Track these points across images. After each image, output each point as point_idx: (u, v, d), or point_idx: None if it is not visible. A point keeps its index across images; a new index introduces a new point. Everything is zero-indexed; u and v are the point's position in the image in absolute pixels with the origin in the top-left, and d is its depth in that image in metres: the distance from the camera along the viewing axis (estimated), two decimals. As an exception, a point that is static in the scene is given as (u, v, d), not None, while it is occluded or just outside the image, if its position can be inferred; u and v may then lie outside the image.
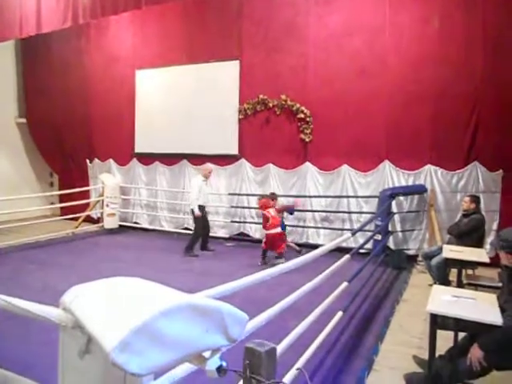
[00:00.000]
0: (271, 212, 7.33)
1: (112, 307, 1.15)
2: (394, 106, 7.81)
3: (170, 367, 1.22)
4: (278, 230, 7.32)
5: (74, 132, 11.32)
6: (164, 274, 6.23)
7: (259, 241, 8.93)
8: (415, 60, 7.64)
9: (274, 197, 7.80)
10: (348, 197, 8.33)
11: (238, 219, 9.38)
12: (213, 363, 1.23)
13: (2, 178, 11.40)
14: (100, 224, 10.35)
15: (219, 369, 1.23)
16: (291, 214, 8.03)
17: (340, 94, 8.17)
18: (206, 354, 1.23)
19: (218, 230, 9.47)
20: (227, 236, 9.28)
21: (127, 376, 1.34)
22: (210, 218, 8.83)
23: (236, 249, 8.70)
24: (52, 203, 11.63)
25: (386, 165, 7.97)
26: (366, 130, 8.02)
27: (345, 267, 4.27)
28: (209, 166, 8.38)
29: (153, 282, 1.42)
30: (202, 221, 8.11)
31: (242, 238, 9.22)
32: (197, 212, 7.93)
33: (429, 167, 7.69)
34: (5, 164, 11.64)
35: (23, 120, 12.06)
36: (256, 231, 9.15)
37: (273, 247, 7.30)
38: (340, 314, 4.15)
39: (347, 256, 4.40)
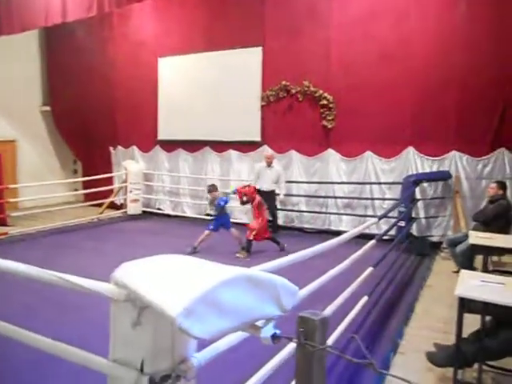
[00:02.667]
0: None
1: (169, 279, 1.22)
2: (418, 92, 7.71)
3: (228, 333, 1.30)
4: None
5: (97, 119, 11.48)
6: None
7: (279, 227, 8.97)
8: (441, 44, 7.51)
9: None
10: (371, 183, 8.30)
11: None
12: (267, 331, 1.30)
13: (28, 165, 11.68)
14: (123, 210, 10.53)
15: (273, 336, 1.30)
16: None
17: (364, 79, 8.09)
18: (260, 324, 1.30)
19: (240, 215, 9.49)
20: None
21: (175, 346, 1.43)
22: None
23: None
24: (75, 190, 11.86)
25: (410, 151, 7.91)
26: (389, 115, 7.95)
27: (368, 253, 4.29)
28: (269, 151, 8.72)
29: (197, 259, 1.49)
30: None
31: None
32: None
33: (454, 153, 7.60)
34: (30, 152, 11.89)
35: (47, 108, 12.26)
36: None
37: (262, 235, 7.16)
38: (365, 298, 4.19)
39: (373, 241, 4.41)
